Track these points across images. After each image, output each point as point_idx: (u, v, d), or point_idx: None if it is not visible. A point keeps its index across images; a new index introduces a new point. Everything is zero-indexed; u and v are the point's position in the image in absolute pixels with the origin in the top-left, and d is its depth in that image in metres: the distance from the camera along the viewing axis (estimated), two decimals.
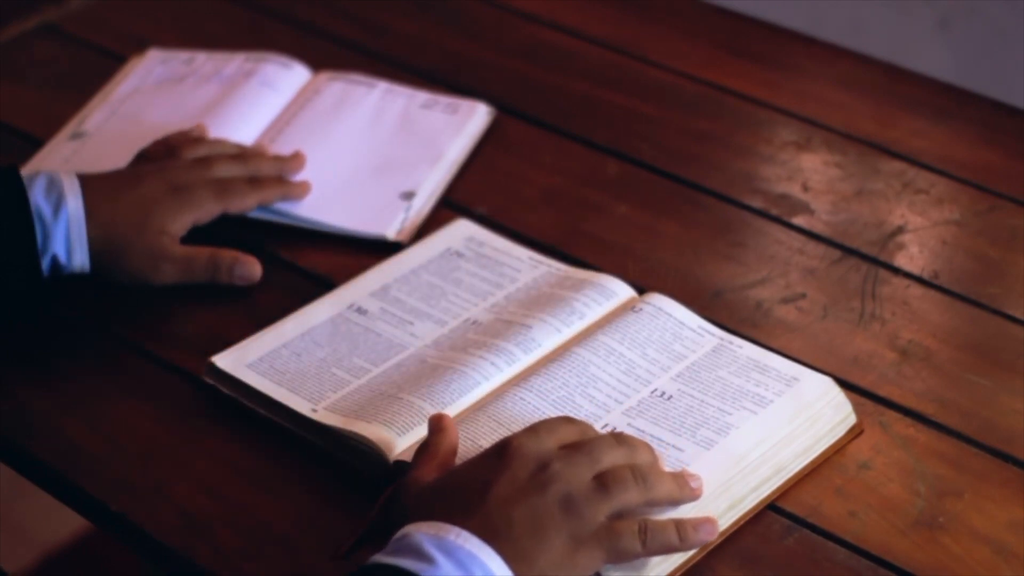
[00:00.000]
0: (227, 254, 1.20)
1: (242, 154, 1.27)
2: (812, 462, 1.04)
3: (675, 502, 0.97)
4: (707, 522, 0.97)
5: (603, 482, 0.94)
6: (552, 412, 1.04)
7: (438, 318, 1.16)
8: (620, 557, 0.93)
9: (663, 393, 1.07)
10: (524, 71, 1.47)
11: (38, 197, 1.15)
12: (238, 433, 1.08)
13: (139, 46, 1.48)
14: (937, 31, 2.04)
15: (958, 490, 1.02)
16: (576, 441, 0.97)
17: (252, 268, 1.20)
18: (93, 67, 1.47)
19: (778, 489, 1.02)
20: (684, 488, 0.97)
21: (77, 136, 1.35)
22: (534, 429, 0.97)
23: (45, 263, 1.15)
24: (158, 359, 1.15)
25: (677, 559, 0.96)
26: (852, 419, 1.07)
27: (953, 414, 1.08)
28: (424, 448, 0.99)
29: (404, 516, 0.94)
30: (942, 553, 0.98)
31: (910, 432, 1.07)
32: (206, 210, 1.21)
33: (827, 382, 1.07)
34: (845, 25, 1.99)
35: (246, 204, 1.23)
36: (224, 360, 1.11)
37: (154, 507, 1.03)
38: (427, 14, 1.55)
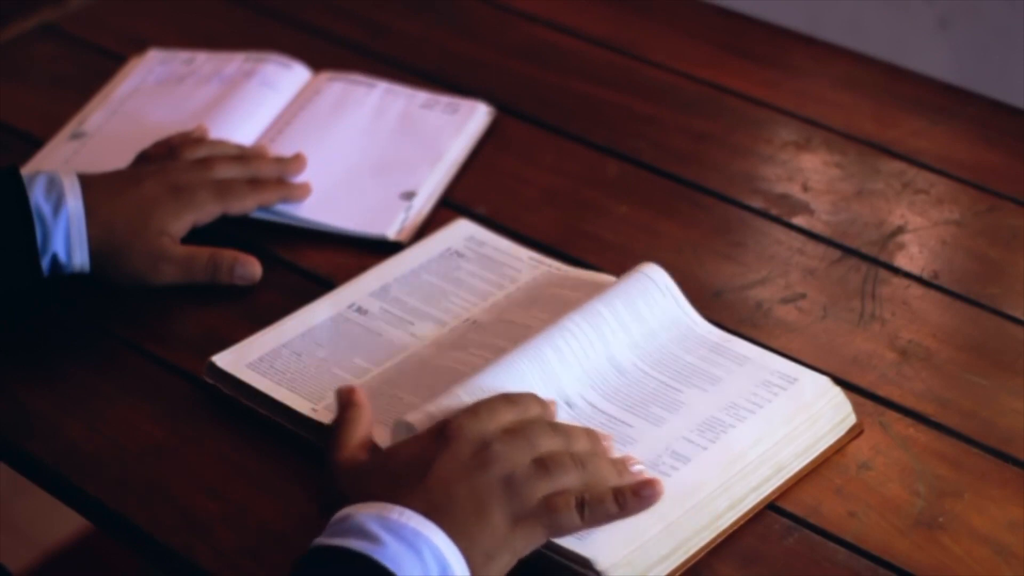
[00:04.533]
0: (227, 254, 1.20)
1: (243, 155, 1.27)
2: (812, 462, 1.04)
3: (616, 485, 0.96)
4: (647, 484, 0.95)
5: (543, 463, 0.94)
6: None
7: (438, 318, 1.15)
8: (561, 531, 0.94)
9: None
10: (524, 71, 1.47)
11: (38, 197, 1.15)
12: (238, 433, 1.08)
13: (139, 46, 1.48)
14: (937, 31, 2.04)
15: (958, 490, 1.02)
16: (514, 424, 0.97)
17: (252, 268, 1.20)
18: (93, 67, 1.47)
19: (778, 489, 1.02)
20: (624, 472, 0.97)
21: (77, 136, 1.35)
22: (474, 411, 0.97)
23: (45, 263, 1.15)
24: (158, 359, 1.15)
25: (677, 559, 0.96)
26: (852, 419, 1.07)
27: (953, 414, 1.08)
28: (344, 427, 0.99)
29: (338, 499, 0.94)
30: (942, 553, 0.98)
31: (910, 432, 1.07)
32: (206, 211, 1.21)
33: (827, 382, 1.07)
34: (845, 25, 1.99)
35: (246, 205, 1.23)
36: (224, 360, 1.11)
37: (154, 507, 1.03)
38: (427, 14, 1.55)
